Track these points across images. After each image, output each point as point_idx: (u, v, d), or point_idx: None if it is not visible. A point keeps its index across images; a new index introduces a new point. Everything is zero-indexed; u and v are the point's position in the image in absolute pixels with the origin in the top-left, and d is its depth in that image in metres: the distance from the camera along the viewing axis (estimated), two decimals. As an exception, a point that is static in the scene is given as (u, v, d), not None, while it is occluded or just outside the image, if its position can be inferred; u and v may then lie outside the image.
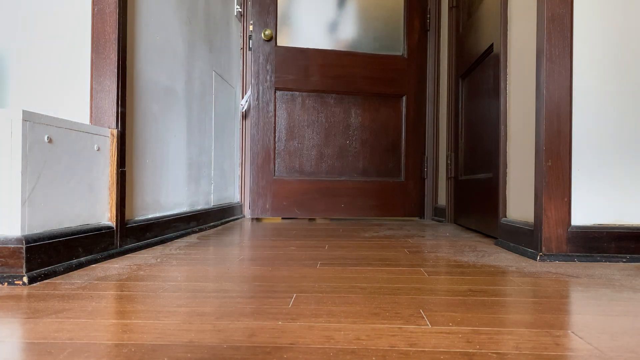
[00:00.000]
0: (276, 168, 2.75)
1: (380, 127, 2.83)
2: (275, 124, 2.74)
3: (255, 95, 2.72)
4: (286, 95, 2.75)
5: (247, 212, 2.92)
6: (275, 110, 2.74)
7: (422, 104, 2.86)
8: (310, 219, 2.86)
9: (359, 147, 2.81)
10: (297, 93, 2.76)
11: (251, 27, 2.72)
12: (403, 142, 2.84)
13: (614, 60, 1.32)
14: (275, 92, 2.73)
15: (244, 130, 2.90)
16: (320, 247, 1.50)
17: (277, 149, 2.75)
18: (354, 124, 2.80)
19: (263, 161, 2.72)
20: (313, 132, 2.78)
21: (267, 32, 2.66)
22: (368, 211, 2.79)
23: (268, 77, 2.72)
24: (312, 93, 2.77)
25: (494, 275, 1.07)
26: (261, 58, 2.71)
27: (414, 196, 2.84)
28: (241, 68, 2.90)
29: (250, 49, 2.77)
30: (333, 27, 2.80)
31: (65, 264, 1.06)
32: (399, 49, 2.84)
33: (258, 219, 2.77)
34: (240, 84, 2.90)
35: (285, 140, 2.76)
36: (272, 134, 2.73)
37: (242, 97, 2.53)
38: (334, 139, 2.79)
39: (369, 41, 2.82)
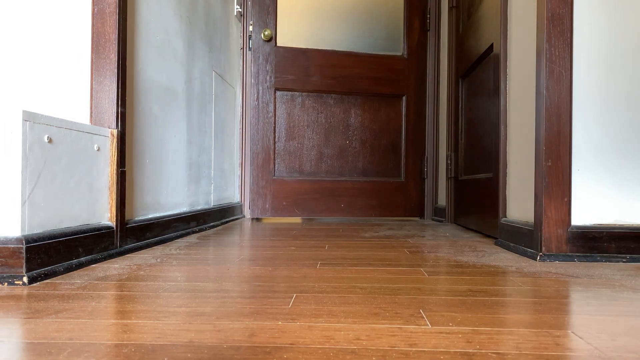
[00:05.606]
0: (276, 168, 2.75)
1: (380, 127, 2.83)
2: (275, 124, 2.74)
3: (255, 95, 2.72)
4: (286, 95, 2.75)
5: (247, 212, 2.91)
6: (275, 110, 2.74)
7: (422, 104, 2.86)
8: (310, 219, 2.86)
9: (358, 147, 2.81)
10: (297, 93, 2.76)
11: (251, 27, 2.72)
12: (403, 142, 2.84)
13: (614, 60, 1.32)
14: (275, 93, 2.73)
15: (244, 130, 2.90)
16: (320, 247, 1.50)
17: (277, 149, 2.75)
18: (354, 124, 2.80)
19: (263, 161, 2.72)
20: (313, 132, 2.77)
21: (266, 33, 2.67)
22: (368, 211, 2.79)
23: (268, 78, 2.72)
24: (312, 93, 2.77)
25: (494, 275, 1.07)
26: (261, 58, 2.71)
27: (414, 196, 2.84)
28: (241, 68, 2.90)
29: (250, 49, 2.77)
30: (334, 27, 2.79)
31: (65, 264, 1.06)
32: (399, 49, 2.85)
33: (258, 219, 2.77)
34: (240, 84, 2.90)
35: (285, 140, 2.76)
36: (272, 134, 2.73)
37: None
38: (334, 139, 2.79)
39: (370, 41, 2.82)
